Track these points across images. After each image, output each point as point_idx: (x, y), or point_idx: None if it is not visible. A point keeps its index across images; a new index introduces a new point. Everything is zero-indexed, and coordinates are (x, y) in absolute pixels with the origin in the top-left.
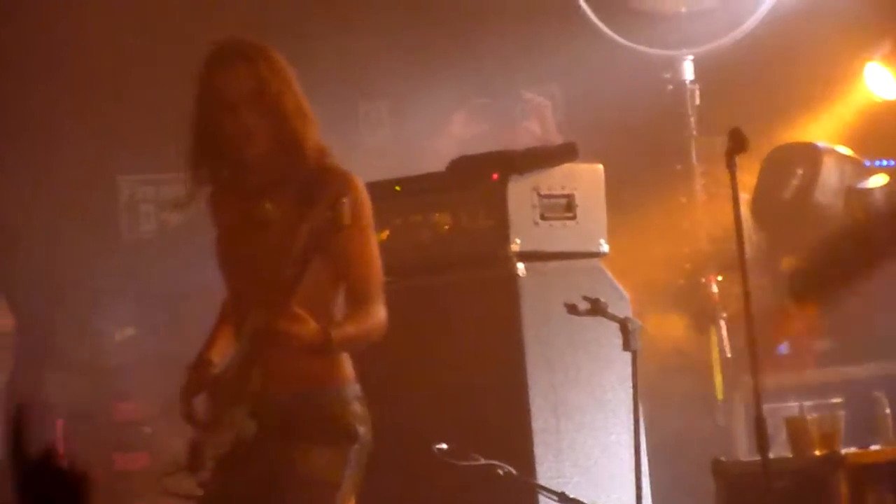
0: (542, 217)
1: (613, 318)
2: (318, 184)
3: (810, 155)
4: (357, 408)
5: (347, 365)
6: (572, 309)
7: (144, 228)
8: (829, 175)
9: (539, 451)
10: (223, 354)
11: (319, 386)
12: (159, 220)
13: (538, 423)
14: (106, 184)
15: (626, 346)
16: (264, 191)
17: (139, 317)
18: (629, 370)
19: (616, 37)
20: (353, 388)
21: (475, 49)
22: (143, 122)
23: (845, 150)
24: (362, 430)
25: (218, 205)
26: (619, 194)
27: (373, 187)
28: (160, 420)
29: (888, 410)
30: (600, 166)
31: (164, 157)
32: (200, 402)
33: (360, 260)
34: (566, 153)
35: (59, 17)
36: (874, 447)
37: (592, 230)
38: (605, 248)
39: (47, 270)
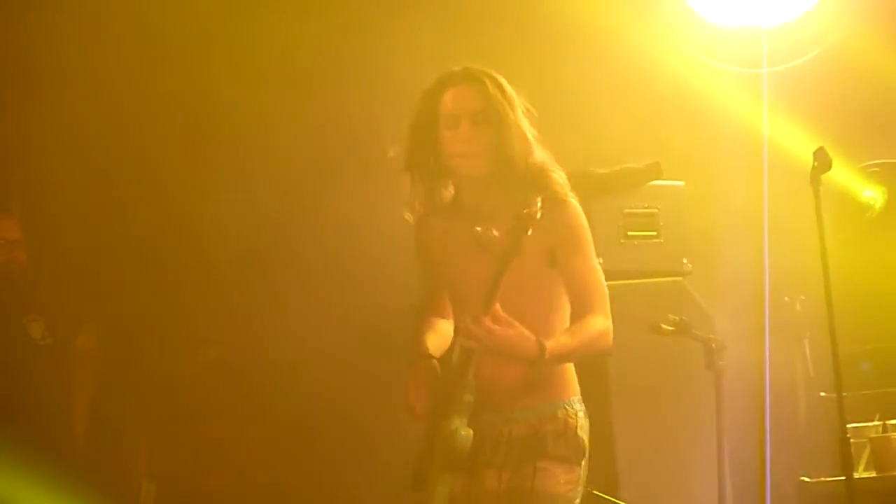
0: (626, 235)
1: (697, 337)
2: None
3: (893, 174)
4: (585, 422)
5: (574, 378)
6: (656, 328)
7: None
8: None
9: (622, 470)
10: (439, 347)
11: (550, 399)
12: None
13: (620, 444)
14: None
15: (710, 365)
16: (487, 215)
17: (222, 335)
18: (712, 389)
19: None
20: (581, 402)
21: None
22: None
23: None
24: (587, 444)
25: (433, 227)
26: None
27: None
28: (244, 439)
29: None
30: (682, 183)
31: None
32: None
33: (581, 275)
34: (650, 172)
35: None
36: None
37: (676, 248)
38: (689, 266)
39: (131, 291)
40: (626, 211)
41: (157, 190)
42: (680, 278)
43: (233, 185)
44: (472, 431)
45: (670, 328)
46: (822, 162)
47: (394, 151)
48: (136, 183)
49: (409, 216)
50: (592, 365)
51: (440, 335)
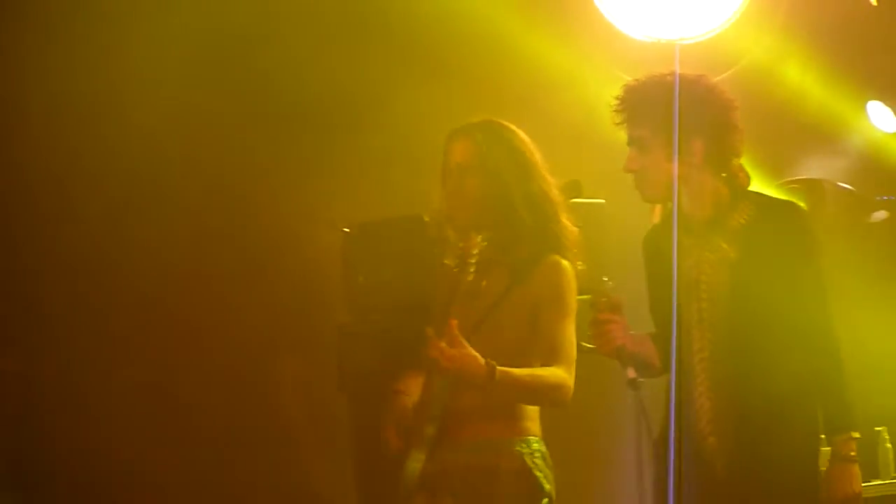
0: None
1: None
2: (528, 265)
3: (813, 191)
4: (544, 464)
5: (533, 419)
6: (578, 346)
7: None
8: (832, 210)
9: None
10: (415, 385)
11: (508, 434)
12: None
13: None
14: None
15: (630, 384)
16: (486, 264)
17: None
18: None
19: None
20: (541, 443)
21: None
22: None
23: (847, 186)
24: (548, 487)
25: (447, 276)
26: None
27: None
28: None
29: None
30: (603, 202)
31: None
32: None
33: (554, 333)
34: (569, 190)
35: None
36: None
37: (596, 267)
38: (610, 284)
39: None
40: None
41: (74, 207)
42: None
43: (154, 196)
44: (419, 465)
45: (591, 346)
46: (741, 176)
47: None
48: (60, 198)
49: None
50: None
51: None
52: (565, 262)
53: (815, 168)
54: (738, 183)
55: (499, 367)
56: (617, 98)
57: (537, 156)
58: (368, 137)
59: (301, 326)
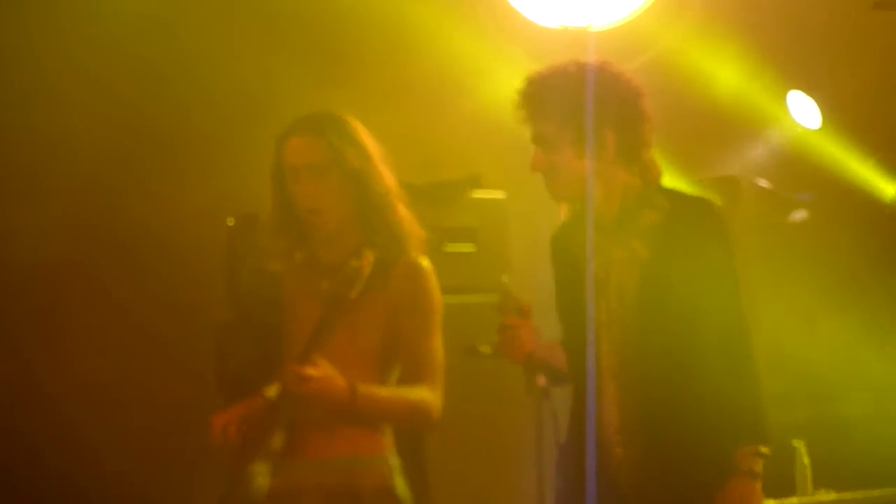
0: (443, 250)
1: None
2: (385, 268)
3: (730, 188)
4: (401, 481)
5: (389, 431)
6: (472, 351)
7: None
8: (749, 209)
9: None
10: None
11: (357, 452)
12: None
13: (432, 479)
14: None
15: (528, 389)
16: (333, 271)
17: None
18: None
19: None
20: (396, 457)
21: None
22: None
23: (765, 183)
24: None
25: (289, 285)
26: None
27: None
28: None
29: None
30: (503, 195)
31: None
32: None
33: (417, 345)
34: (469, 183)
35: None
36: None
37: (495, 264)
38: (509, 283)
39: None
40: (444, 224)
41: None
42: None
43: (27, 190)
44: (268, 482)
45: (488, 350)
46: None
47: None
48: None
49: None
50: None
51: None
52: (425, 263)
53: (731, 164)
54: (650, 177)
55: (360, 390)
56: (518, 92)
57: (378, 150)
58: (257, 129)
59: (179, 324)
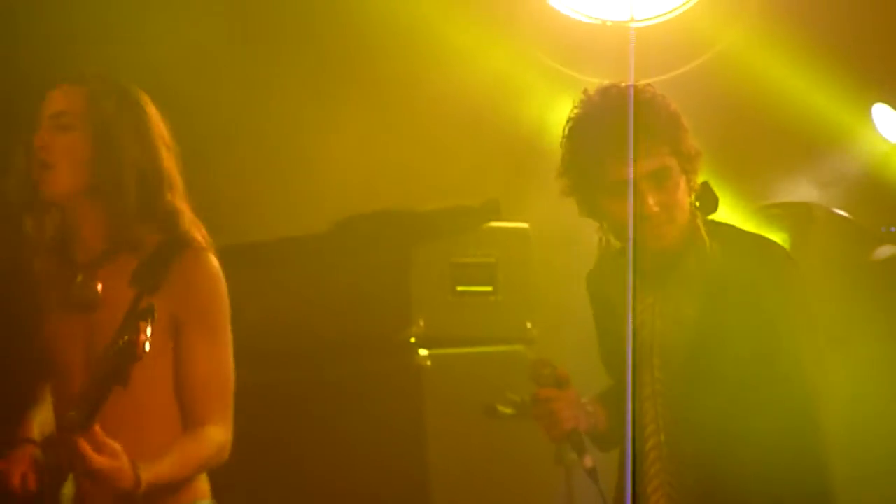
0: (455, 291)
1: None
2: (158, 263)
3: (801, 218)
4: None
5: (204, 477)
6: (491, 412)
7: None
8: (824, 244)
9: None
10: (48, 426)
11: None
12: None
13: None
14: None
15: (560, 459)
16: (93, 262)
17: None
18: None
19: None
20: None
21: None
22: None
23: (844, 213)
24: None
25: (40, 273)
26: None
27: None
28: None
29: None
30: (527, 226)
31: None
32: None
33: (201, 364)
34: (487, 211)
35: None
36: None
37: (518, 309)
38: (534, 331)
39: None
40: (456, 260)
41: None
42: (522, 346)
43: None
44: None
45: (509, 411)
46: (705, 201)
47: None
48: None
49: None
50: (404, 457)
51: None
52: (210, 257)
53: (803, 189)
54: (704, 209)
55: (144, 476)
56: (591, 121)
57: (161, 127)
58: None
59: None
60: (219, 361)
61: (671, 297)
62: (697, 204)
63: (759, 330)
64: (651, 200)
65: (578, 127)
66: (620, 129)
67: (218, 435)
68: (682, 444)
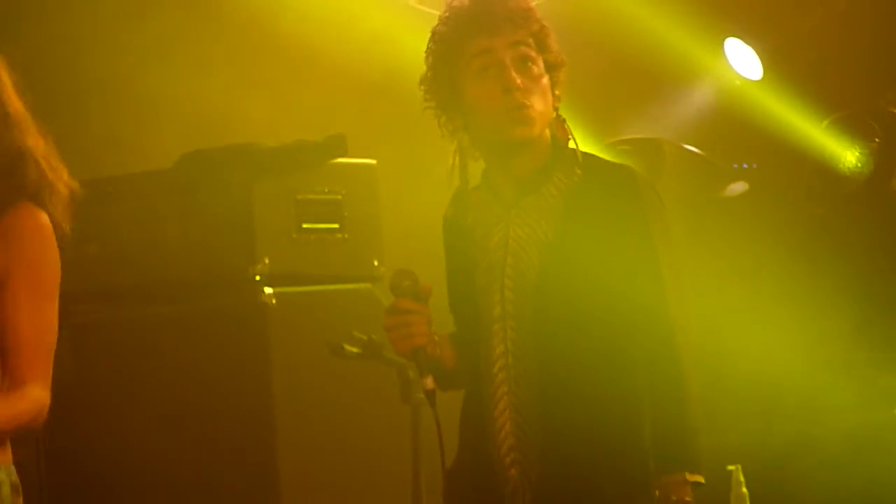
0: (300, 228)
1: (390, 362)
2: None
3: (651, 154)
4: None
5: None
6: (338, 350)
7: None
8: (675, 180)
9: None
10: None
11: None
12: None
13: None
14: None
15: (406, 397)
16: None
17: None
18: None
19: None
20: (10, 472)
21: None
22: None
23: (695, 149)
24: None
25: None
26: None
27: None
28: None
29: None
30: (374, 162)
31: None
32: None
33: (23, 328)
34: (332, 147)
35: None
36: None
37: (365, 246)
38: (381, 269)
39: None
40: (300, 197)
41: None
42: (370, 285)
43: None
44: None
45: (356, 350)
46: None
47: None
48: None
49: None
50: (248, 395)
51: None
52: (43, 216)
53: (653, 124)
54: (559, 136)
55: None
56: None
57: (4, 75)
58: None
59: None
60: (46, 320)
61: (529, 218)
62: (564, 119)
63: (618, 253)
64: (515, 75)
65: (443, 20)
66: (487, 7)
67: (40, 396)
68: (530, 368)
